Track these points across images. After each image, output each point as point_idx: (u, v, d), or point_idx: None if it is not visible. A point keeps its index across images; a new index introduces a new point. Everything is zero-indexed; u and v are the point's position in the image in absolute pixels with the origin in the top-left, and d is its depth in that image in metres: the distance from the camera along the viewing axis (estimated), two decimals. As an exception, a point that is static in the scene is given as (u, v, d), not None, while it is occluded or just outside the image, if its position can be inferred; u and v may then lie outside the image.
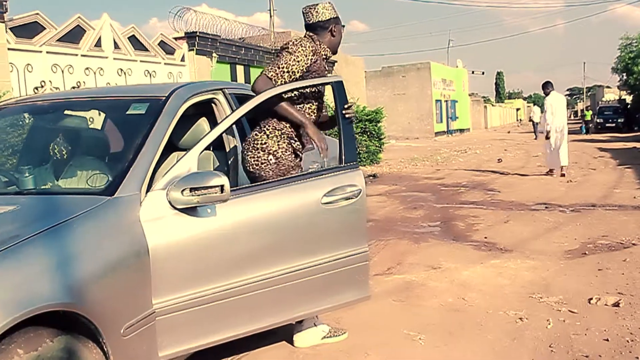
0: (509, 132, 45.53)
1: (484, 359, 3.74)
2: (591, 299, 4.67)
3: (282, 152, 3.70)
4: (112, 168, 3.38)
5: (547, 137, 13.36)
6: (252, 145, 3.71)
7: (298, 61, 3.71)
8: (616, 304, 4.51)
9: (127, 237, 2.81)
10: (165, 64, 14.10)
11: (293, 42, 3.76)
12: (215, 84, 4.09)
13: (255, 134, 3.75)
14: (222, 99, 3.92)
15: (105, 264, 2.64)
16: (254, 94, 3.62)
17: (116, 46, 12.53)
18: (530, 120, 39.15)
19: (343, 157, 3.68)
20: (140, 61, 13.23)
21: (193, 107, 3.75)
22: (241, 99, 4.09)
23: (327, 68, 4.03)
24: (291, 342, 3.96)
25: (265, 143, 3.69)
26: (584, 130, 37.59)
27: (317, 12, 3.89)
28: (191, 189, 2.95)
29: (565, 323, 4.23)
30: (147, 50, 13.53)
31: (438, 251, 6.61)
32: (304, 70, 3.74)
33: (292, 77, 3.70)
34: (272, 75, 3.66)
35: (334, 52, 3.98)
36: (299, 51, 3.73)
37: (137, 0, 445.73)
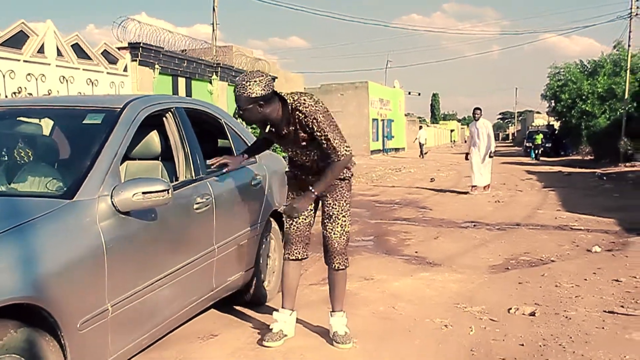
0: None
1: (411, 360, 4.04)
2: (510, 309, 5.05)
3: None
4: (66, 174, 3.56)
5: (491, 156, 14.54)
6: None
7: None
8: (532, 314, 4.90)
9: (85, 238, 3.00)
10: (107, 73, 14.11)
11: None
12: (167, 98, 4.33)
13: None
14: (173, 112, 4.18)
15: (65, 262, 2.83)
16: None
17: (59, 53, 12.50)
18: (417, 140, 39.32)
19: (199, 169, 4.25)
20: (83, 69, 13.24)
21: (145, 119, 3.97)
22: (192, 114, 4.35)
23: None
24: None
25: None
26: (533, 155, 34.94)
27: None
28: (143, 193, 3.23)
29: (485, 330, 4.58)
30: (90, 58, 13.53)
31: (371, 264, 6.92)
32: None
33: None
34: None
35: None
36: None
37: (74, 6, 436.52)
